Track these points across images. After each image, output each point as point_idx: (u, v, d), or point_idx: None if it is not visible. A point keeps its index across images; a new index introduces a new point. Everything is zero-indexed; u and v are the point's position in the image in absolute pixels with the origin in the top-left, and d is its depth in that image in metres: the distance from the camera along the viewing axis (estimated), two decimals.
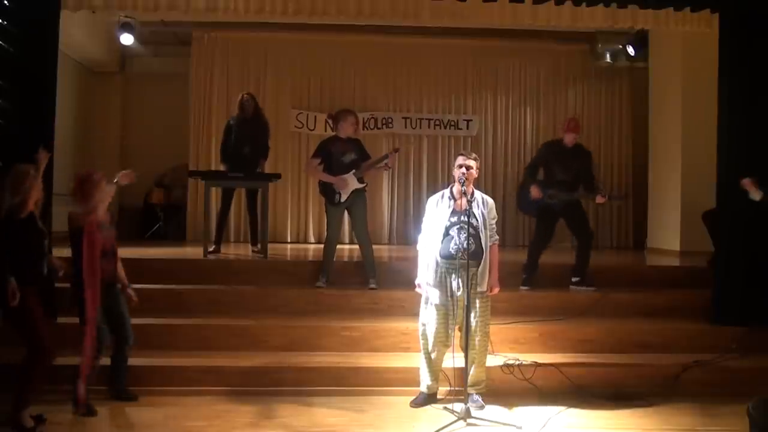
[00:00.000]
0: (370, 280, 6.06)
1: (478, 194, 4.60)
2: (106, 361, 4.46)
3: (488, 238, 4.53)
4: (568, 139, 6.23)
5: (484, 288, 4.51)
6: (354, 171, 6.08)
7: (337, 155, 6.10)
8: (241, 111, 7.31)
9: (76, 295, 4.22)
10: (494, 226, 4.63)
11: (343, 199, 6.09)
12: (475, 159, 4.61)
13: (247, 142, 7.21)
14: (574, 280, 6.21)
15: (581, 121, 9.93)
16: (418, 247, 4.69)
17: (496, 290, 4.58)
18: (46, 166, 4.27)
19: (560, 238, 8.81)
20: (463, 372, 4.36)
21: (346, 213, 6.38)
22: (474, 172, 4.56)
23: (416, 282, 4.65)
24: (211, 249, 7.16)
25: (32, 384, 3.98)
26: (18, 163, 4.10)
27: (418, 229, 4.75)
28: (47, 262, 4.20)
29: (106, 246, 4.35)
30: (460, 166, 4.54)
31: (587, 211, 6.43)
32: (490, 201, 4.67)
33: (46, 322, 4.16)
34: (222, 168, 7.41)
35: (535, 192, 6.16)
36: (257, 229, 7.44)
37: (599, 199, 6.21)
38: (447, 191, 4.64)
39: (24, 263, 3.99)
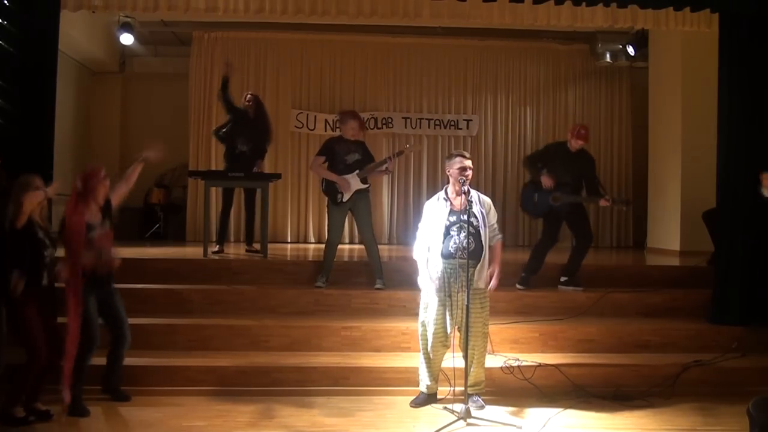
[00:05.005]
0: (378, 280, 6.04)
1: (474, 193, 4.59)
2: (101, 360, 4.46)
3: (488, 238, 4.52)
4: (574, 145, 6.12)
5: (483, 286, 4.49)
6: (357, 171, 6.08)
7: (341, 155, 6.10)
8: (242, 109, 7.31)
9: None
10: (495, 225, 4.64)
11: (345, 199, 6.08)
12: (469, 158, 4.61)
13: (245, 141, 7.19)
14: (562, 279, 6.19)
15: (581, 121, 10.03)
16: (414, 256, 4.62)
17: (495, 283, 4.53)
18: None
19: (560, 238, 8.83)
20: (463, 372, 4.36)
21: (348, 215, 6.37)
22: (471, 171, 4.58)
23: (419, 281, 4.62)
24: (215, 249, 7.16)
25: (25, 383, 4.03)
26: (21, 168, 4.11)
27: (416, 230, 4.72)
28: (49, 273, 4.15)
29: (100, 244, 4.32)
30: (460, 168, 4.54)
31: (588, 211, 6.39)
32: (488, 201, 4.66)
33: (45, 327, 4.12)
34: (219, 136, 7.41)
35: (546, 181, 6.06)
36: (254, 228, 7.42)
37: (603, 203, 6.18)
38: (442, 193, 4.64)
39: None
